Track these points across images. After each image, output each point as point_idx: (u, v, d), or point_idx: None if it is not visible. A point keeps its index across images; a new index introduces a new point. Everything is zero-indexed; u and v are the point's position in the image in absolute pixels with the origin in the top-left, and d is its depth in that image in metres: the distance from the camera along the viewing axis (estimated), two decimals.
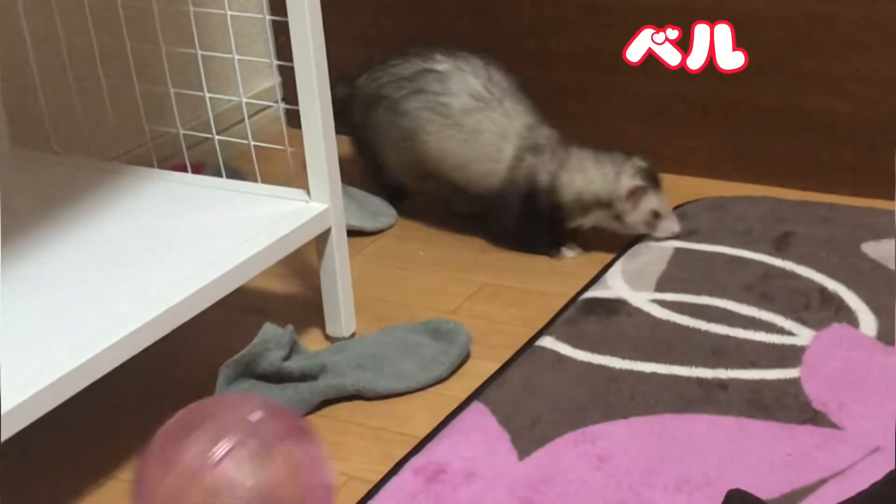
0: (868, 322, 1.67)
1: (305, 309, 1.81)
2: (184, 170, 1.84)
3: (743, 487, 1.36)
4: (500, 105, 1.92)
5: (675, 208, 2.06)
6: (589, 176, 1.90)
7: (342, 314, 1.73)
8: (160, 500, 1.22)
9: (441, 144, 1.93)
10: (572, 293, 1.83)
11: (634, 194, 1.89)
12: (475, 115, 1.92)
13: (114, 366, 1.40)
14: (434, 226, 2.11)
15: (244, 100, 1.79)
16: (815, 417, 1.49)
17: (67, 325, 1.43)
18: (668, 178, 2.02)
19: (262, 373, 1.59)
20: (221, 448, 1.23)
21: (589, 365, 1.64)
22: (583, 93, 2.24)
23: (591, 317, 1.76)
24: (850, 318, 1.69)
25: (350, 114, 2.03)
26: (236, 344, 1.60)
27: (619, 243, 1.96)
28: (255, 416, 1.27)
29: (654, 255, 1.91)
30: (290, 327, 1.62)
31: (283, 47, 1.71)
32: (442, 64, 1.93)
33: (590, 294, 1.82)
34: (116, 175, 1.80)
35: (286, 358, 1.59)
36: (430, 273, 1.95)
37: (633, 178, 1.88)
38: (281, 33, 1.73)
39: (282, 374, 1.58)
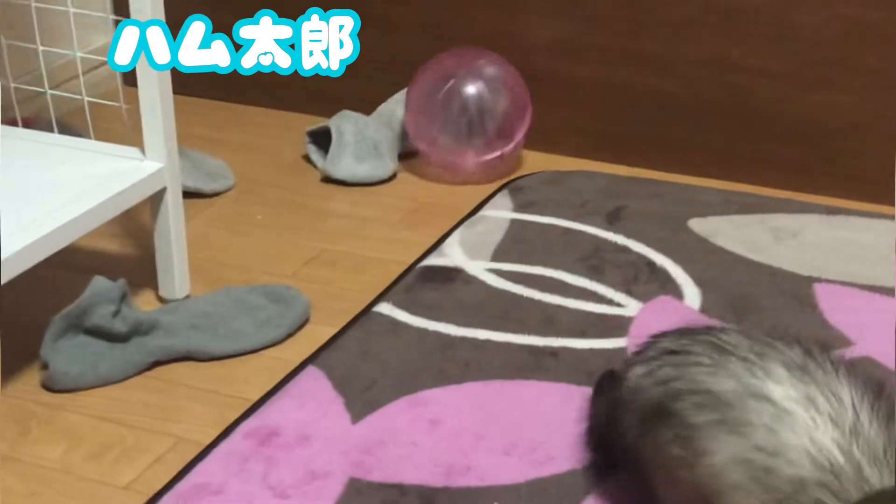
0: (692, 295, 1.74)
1: (138, 270, 1.78)
2: (14, 124, 1.78)
3: (570, 453, 1.40)
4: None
5: (514, 181, 2.10)
6: None
7: (176, 276, 1.70)
8: None
9: None
10: (410, 261, 1.85)
11: None
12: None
13: None
14: (274, 190, 2.09)
15: (78, 54, 1.75)
16: None
17: None
18: None
19: (91, 327, 1.55)
20: None
21: (425, 331, 1.66)
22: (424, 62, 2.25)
23: (428, 284, 1.77)
24: (676, 291, 1.75)
25: (616, 427, 1.29)
26: (64, 302, 1.56)
27: (456, 213, 1.99)
28: None
29: (492, 225, 1.94)
30: (121, 281, 1.58)
31: (120, 2, 1.67)
32: (783, 387, 1.12)
33: (427, 262, 1.84)
34: None
35: (116, 313, 1.56)
36: (269, 237, 1.94)
37: None
38: None
39: (111, 329, 1.55)
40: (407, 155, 2.19)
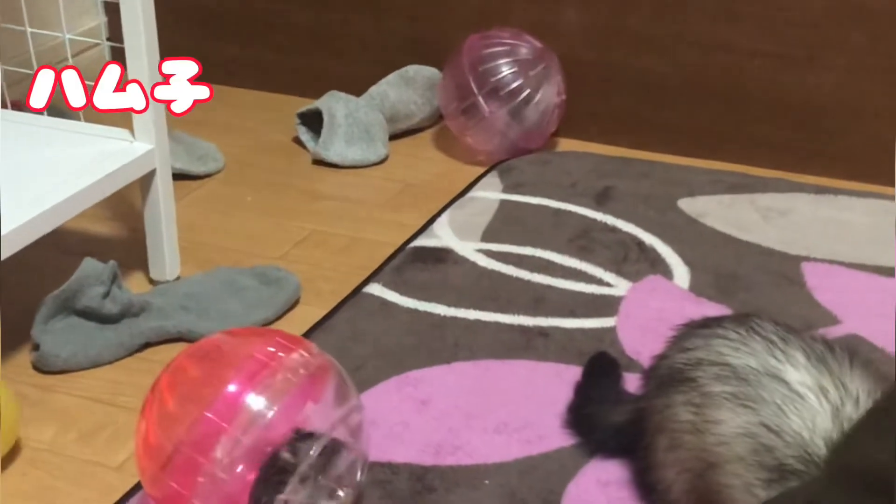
0: (681, 274, 1.75)
1: (129, 251, 1.78)
2: (3, 107, 1.78)
3: (560, 431, 1.41)
4: None
5: (503, 162, 2.10)
6: None
7: (166, 258, 1.71)
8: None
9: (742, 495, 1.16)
10: (400, 242, 1.85)
11: None
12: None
13: None
14: (263, 172, 2.09)
15: (67, 36, 1.74)
16: (628, 365, 1.54)
17: None
18: None
19: (81, 309, 1.56)
20: None
21: (415, 311, 1.66)
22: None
23: (418, 265, 1.78)
24: (665, 271, 1.76)
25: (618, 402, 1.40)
26: (54, 284, 1.57)
27: (446, 194, 1.99)
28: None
29: (481, 206, 1.95)
30: (111, 263, 1.58)
31: None
32: (799, 372, 1.16)
33: (418, 243, 1.84)
34: None
35: (107, 294, 1.56)
36: (258, 219, 1.94)
37: None
38: None
39: (102, 311, 1.55)
40: (396, 136, 2.19)
